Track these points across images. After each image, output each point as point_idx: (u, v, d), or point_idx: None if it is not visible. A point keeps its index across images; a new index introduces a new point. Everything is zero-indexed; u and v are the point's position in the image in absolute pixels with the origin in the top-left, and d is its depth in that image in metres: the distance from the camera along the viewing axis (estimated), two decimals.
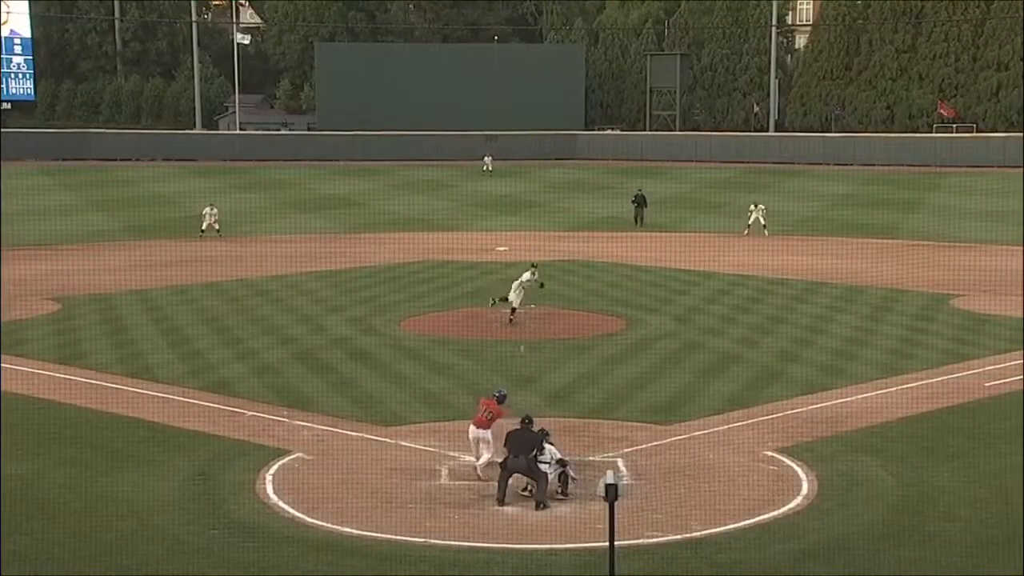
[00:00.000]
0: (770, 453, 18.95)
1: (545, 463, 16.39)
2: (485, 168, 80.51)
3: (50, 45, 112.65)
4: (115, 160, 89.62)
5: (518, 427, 16.92)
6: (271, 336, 28.93)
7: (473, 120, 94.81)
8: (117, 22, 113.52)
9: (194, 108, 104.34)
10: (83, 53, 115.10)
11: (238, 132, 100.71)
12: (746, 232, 48.89)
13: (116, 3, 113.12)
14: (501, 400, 17.89)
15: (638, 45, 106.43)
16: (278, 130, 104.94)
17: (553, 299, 33.33)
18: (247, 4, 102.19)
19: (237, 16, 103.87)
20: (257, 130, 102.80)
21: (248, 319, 31.26)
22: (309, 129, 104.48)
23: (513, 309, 30.04)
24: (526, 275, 30.47)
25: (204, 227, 48.98)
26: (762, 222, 49.05)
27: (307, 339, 28.55)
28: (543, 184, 73.92)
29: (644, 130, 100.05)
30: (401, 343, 28.00)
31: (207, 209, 49.63)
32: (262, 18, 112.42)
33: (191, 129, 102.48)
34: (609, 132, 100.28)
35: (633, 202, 53.59)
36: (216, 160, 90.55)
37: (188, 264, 41.09)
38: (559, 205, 61.25)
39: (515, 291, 30.06)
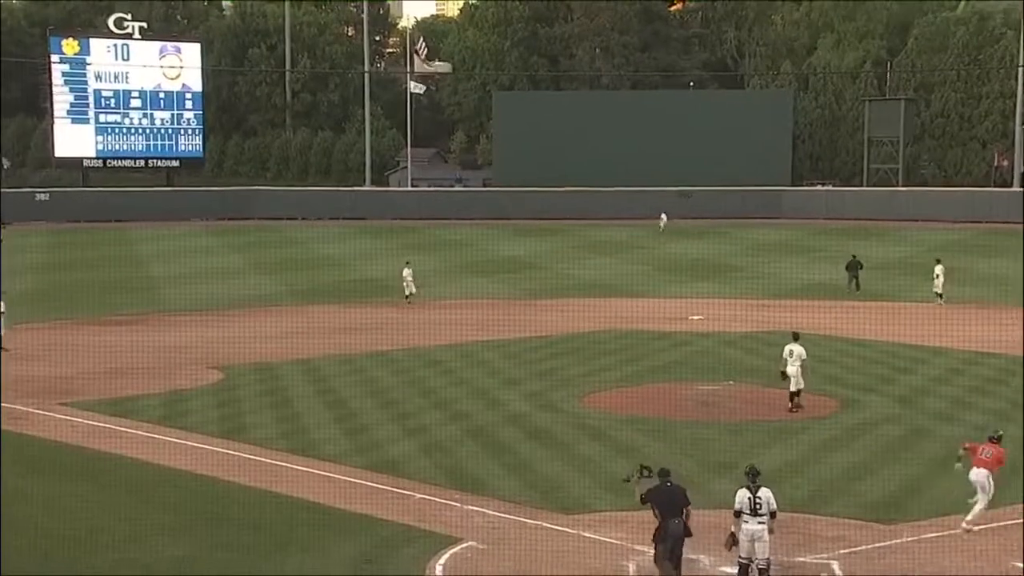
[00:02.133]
0: (1020, 565, 18.01)
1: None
2: (661, 226, 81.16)
3: (219, 99, 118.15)
4: (281, 219, 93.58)
5: (658, 484, 16.86)
6: (442, 411, 29.37)
7: (664, 175, 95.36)
8: (288, 73, 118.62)
9: (364, 163, 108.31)
10: (252, 106, 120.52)
11: (409, 189, 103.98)
12: (940, 300, 47.42)
13: (287, 53, 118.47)
14: (998, 440, 19.37)
15: (855, 90, 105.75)
16: (452, 186, 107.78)
17: (755, 375, 32.91)
18: (423, 52, 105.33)
19: (412, 65, 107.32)
20: (430, 186, 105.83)
21: (417, 392, 31.83)
22: (484, 185, 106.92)
23: (797, 392, 28.52)
24: (795, 347, 28.72)
25: (408, 294, 49.63)
26: (938, 289, 47.51)
27: (481, 415, 28.87)
28: (743, 246, 73.54)
29: (860, 185, 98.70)
30: (583, 421, 28.04)
31: (406, 271, 50.25)
32: (446, 63, 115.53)
33: (360, 185, 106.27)
34: (820, 188, 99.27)
35: (847, 267, 52.93)
36: (386, 218, 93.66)
37: (355, 331, 42.28)
38: (761, 270, 60.94)
39: (792, 364, 28.40)
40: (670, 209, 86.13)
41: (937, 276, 48.14)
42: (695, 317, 45.43)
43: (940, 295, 47.81)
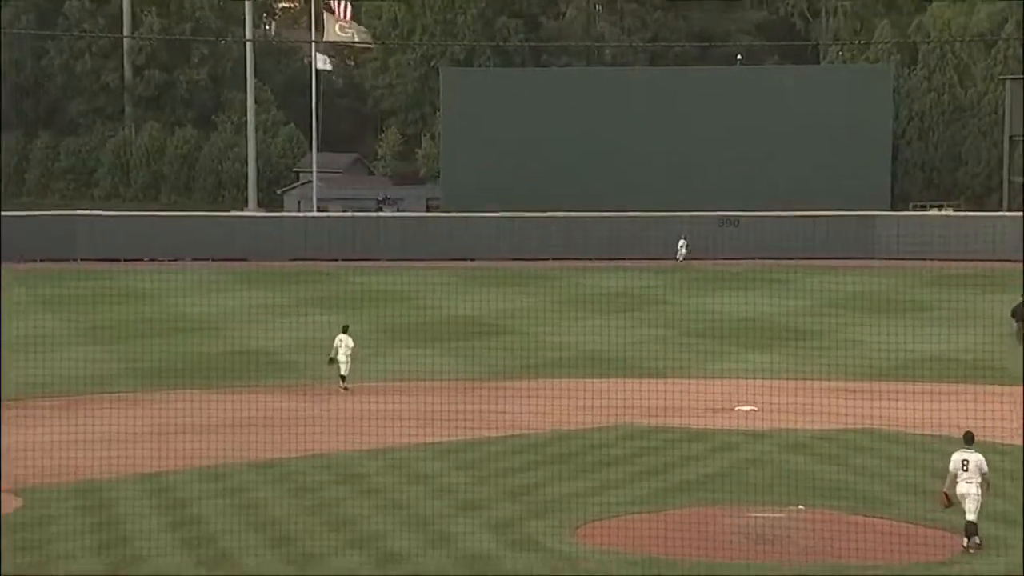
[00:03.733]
0: None
1: None
2: (679, 256, 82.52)
3: (19, 76, 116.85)
4: (118, 260, 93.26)
5: None
6: (364, 551, 29.15)
7: (696, 193, 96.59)
8: (126, 40, 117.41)
9: (245, 175, 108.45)
10: (71, 88, 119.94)
11: (315, 214, 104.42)
12: None
13: (127, 8, 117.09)
14: None
15: (988, 64, 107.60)
16: (379, 209, 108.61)
17: (840, 496, 33.10)
18: (343, 10, 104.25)
19: (320, 29, 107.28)
20: (347, 210, 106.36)
21: (325, 522, 31.64)
22: (429, 208, 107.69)
23: (974, 523, 28.81)
24: (971, 455, 29.07)
25: (343, 374, 50.45)
26: None
27: (421, 558, 28.65)
28: (816, 299, 73.93)
29: (998, 209, 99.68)
30: (578, 565, 27.97)
31: (341, 342, 50.93)
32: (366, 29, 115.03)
33: (241, 209, 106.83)
34: (935, 213, 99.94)
35: (1013, 314, 54.57)
36: (279, 259, 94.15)
37: (231, 430, 41.89)
38: (844, 335, 61.36)
39: (967, 481, 28.81)
40: (707, 241, 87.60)
41: None
42: (744, 408, 45.59)
43: None
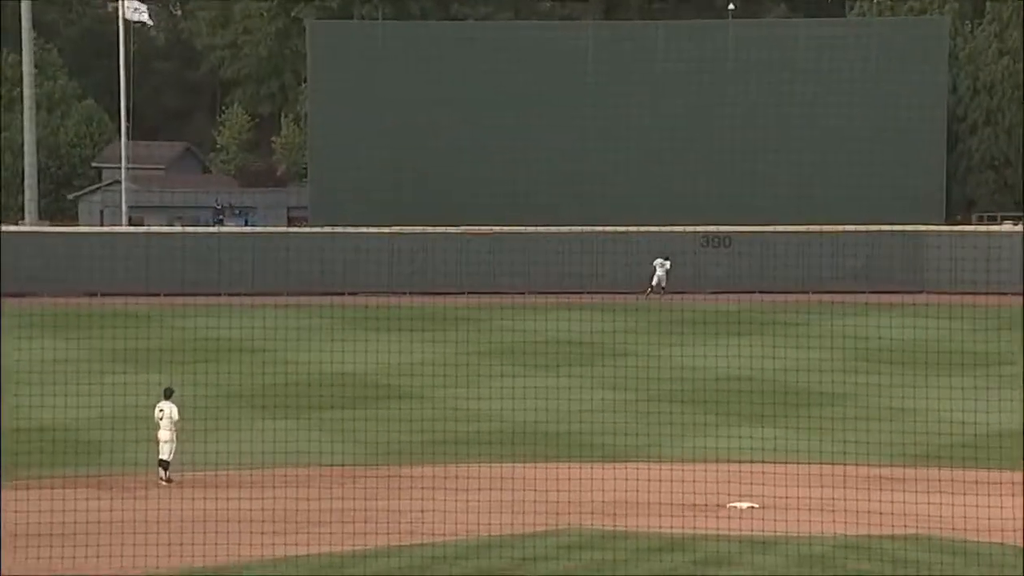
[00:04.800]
0: None
1: None
2: (654, 284, 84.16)
3: None
4: None
5: None
6: None
7: (670, 200, 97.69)
8: None
9: (21, 175, 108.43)
10: None
11: (124, 230, 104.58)
12: None
13: None
14: None
15: None
16: (219, 223, 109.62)
17: None
18: None
19: None
20: (172, 224, 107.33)
21: None
22: (292, 223, 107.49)
23: None
24: None
25: (163, 457, 51.70)
26: None
27: None
28: (839, 349, 74.47)
29: None
30: None
31: (163, 412, 51.92)
32: None
33: (15, 224, 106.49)
34: (1010, 228, 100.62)
35: None
36: (72, 294, 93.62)
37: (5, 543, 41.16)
38: (880, 400, 62.08)
39: None
40: (686, 268, 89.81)
41: None
42: (741, 505, 45.88)
43: None
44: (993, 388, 60.83)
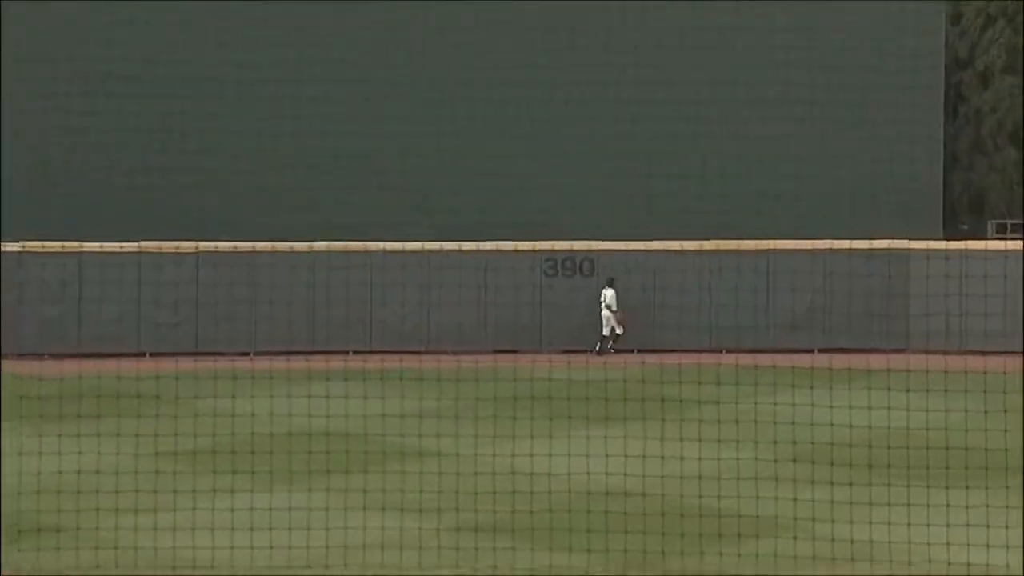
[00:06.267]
0: None
1: None
2: (606, 332, 79.11)
3: None
4: None
5: None
6: None
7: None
8: None
9: None
10: None
11: None
12: None
13: None
14: None
15: None
16: None
17: None
18: None
19: None
20: None
21: None
22: None
23: None
24: None
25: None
26: None
27: None
28: (775, 443, 65.61)
29: None
30: None
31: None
32: None
33: None
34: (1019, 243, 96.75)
35: None
36: None
37: None
38: (837, 530, 52.79)
39: None
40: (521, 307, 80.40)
41: None
42: None
43: None
44: (998, 507, 52.20)
